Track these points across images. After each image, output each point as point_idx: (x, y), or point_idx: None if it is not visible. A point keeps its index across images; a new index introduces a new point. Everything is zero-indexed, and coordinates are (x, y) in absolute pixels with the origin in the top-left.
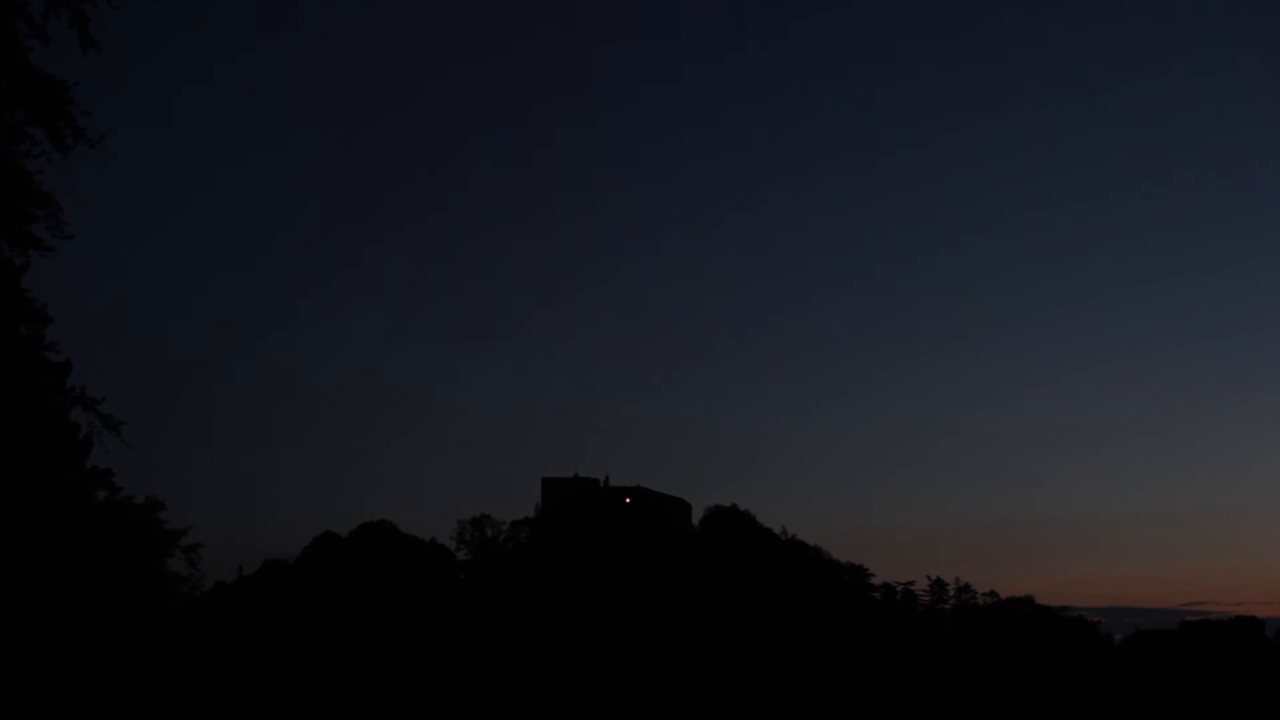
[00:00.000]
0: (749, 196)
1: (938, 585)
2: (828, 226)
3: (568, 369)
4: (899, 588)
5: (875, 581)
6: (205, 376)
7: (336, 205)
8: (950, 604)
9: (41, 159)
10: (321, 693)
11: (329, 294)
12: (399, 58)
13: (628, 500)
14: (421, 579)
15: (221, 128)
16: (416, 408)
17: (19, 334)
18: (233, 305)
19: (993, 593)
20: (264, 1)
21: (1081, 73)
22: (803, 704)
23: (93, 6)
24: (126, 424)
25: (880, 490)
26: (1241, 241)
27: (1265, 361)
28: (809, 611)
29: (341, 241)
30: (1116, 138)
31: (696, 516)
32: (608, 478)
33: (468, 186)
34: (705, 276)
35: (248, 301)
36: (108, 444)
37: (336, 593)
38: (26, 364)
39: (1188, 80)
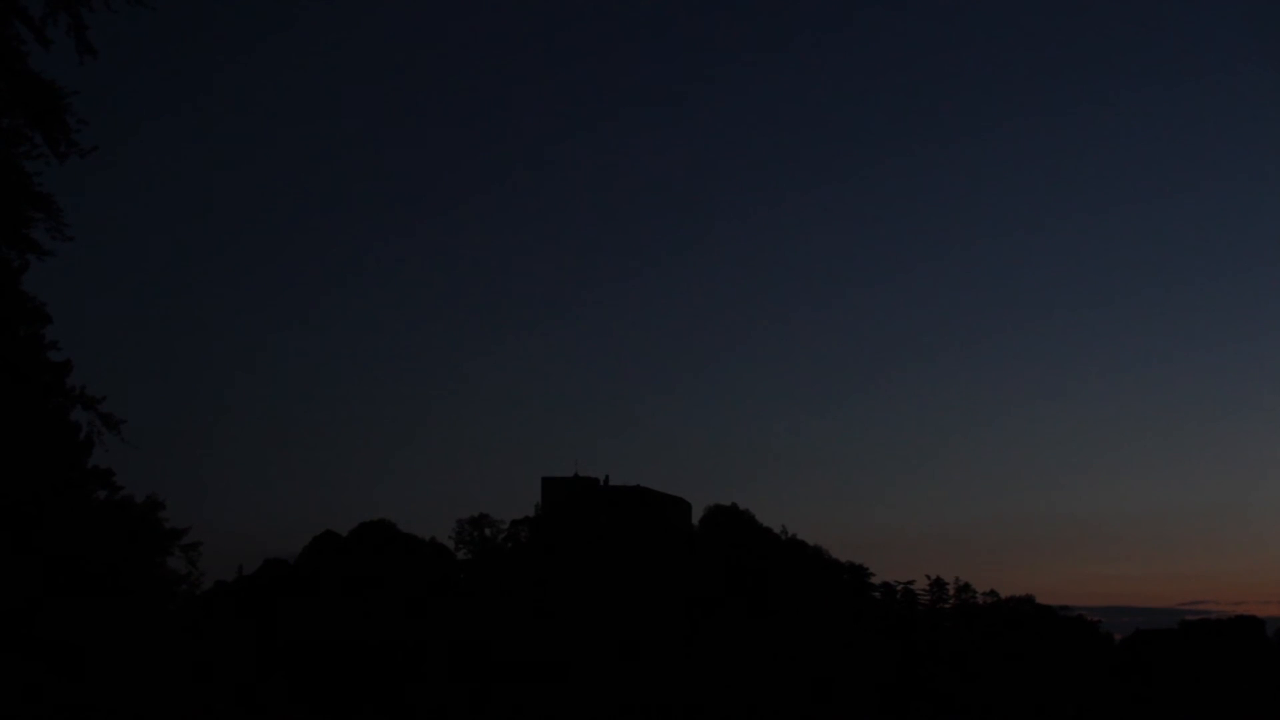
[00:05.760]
0: (751, 198)
1: (938, 585)
2: (829, 228)
3: (568, 369)
4: (899, 588)
5: (875, 581)
6: (205, 376)
7: (338, 207)
8: (950, 604)
9: (40, 160)
10: (322, 692)
11: (330, 294)
12: (402, 61)
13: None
14: (421, 579)
15: (223, 129)
16: (417, 407)
17: (19, 334)
18: (233, 305)
19: (993, 592)
20: (266, 5)
21: (1097, 78)
22: (803, 703)
23: (89, 11)
24: (126, 424)
25: (881, 490)
26: (1247, 244)
27: (1266, 363)
28: (809, 611)
29: (343, 242)
30: (1131, 142)
31: (696, 516)
32: (608, 477)
33: (471, 189)
34: (706, 278)
35: (248, 302)
36: (108, 444)
37: (336, 592)
38: (27, 364)
39: (1205, 86)
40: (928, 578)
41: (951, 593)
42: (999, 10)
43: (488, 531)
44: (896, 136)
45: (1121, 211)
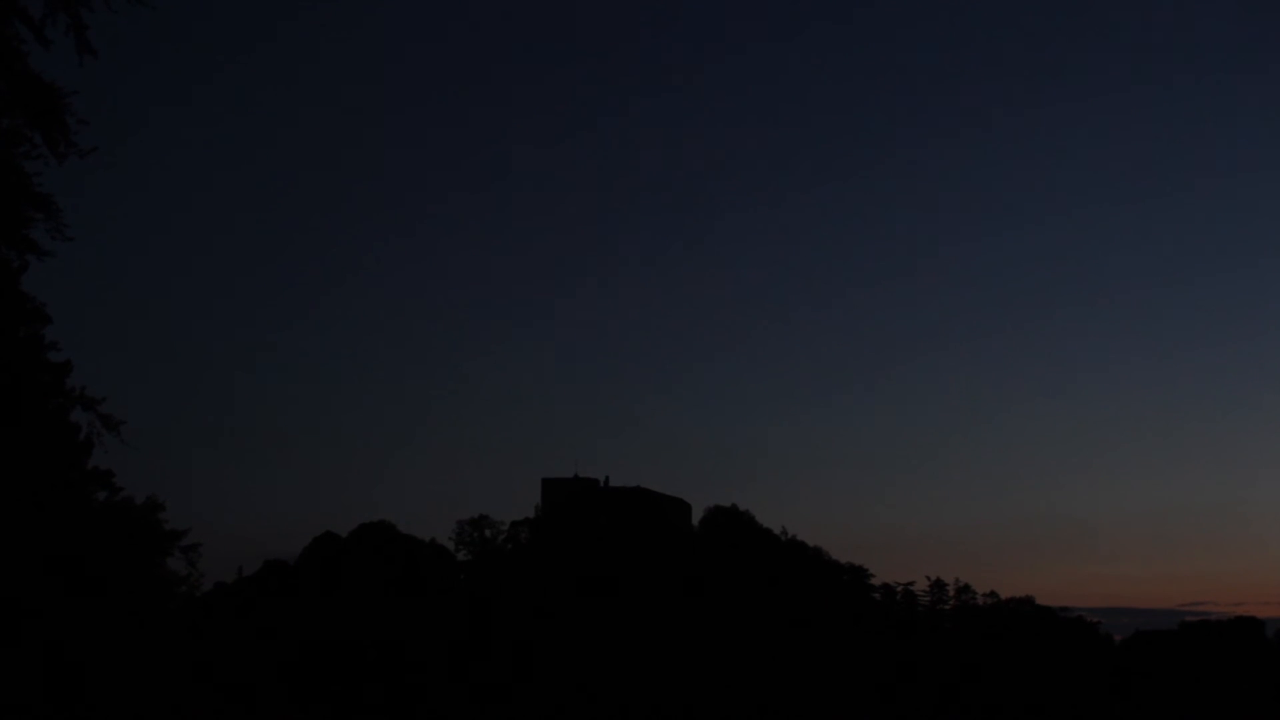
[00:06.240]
0: (751, 197)
1: (938, 585)
2: (830, 227)
3: (568, 369)
4: (899, 588)
5: (875, 581)
6: (205, 376)
7: (337, 208)
8: (950, 604)
9: (40, 161)
10: (321, 692)
11: (330, 295)
12: (403, 60)
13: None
14: (421, 579)
15: (223, 129)
16: (417, 408)
17: (19, 335)
18: (233, 306)
19: (993, 593)
20: (266, 5)
21: (1103, 74)
22: (803, 703)
23: (89, 11)
24: (126, 424)
25: (880, 490)
26: (1246, 243)
27: (1267, 363)
28: (809, 612)
29: (342, 243)
30: (1135, 139)
31: (696, 516)
32: (608, 478)
33: (469, 189)
34: (706, 277)
35: (248, 302)
36: (107, 444)
37: (336, 593)
38: (26, 365)
39: (1206, 85)
40: (928, 579)
41: (951, 594)
42: (1002, 6)
43: (488, 532)
44: (896, 136)
45: (1121, 210)
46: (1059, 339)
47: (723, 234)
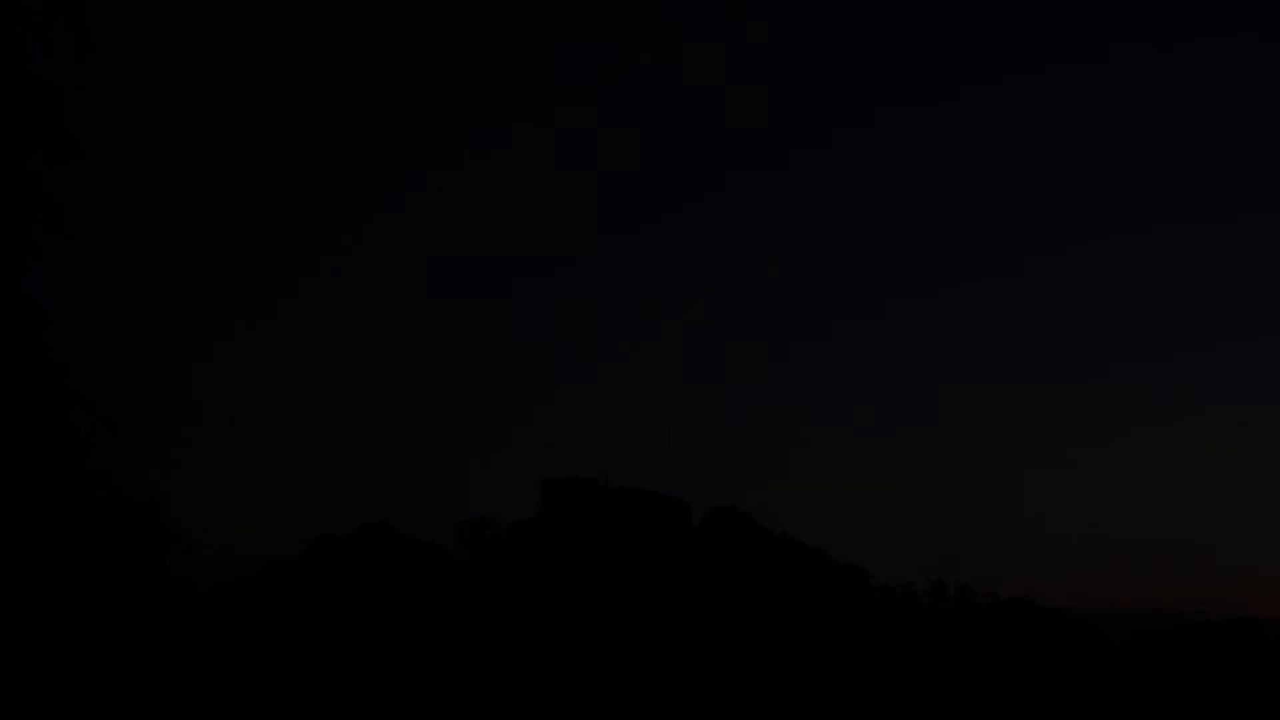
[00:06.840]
0: (752, 198)
1: (938, 586)
2: (835, 228)
3: (568, 370)
4: (899, 588)
5: (875, 582)
6: (206, 377)
7: (335, 208)
8: (950, 605)
9: (39, 161)
10: (321, 694)
11: (329, 296)
12: (403, 62)
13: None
14: (422, 581)
15: (223, 129)
16: (417, 408)
17: (18, 335)
18: (233, 306)
19: (993, 593)
20: (260, 6)
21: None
22: (803, 705)
23: (89, 11)
24: (126, 425)
25: (881, 491)
26: (1245, 242)
27: (1267, 364)
28: (808, 612)
29: (341, 244)
30: (1144, 138)
31: (696, 516)
32: (608, 479)
33: (468, 189)
34: (707, 279)
35: (248, 303)
36: (107, 445)
37: (337, 595)
38: (25, 365)
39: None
40: (928, 578)
41: (951, 593)
42: None
43: (488, 533)
44: (897, 120)
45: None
46: (1061, 340)
47: (726, 236)
